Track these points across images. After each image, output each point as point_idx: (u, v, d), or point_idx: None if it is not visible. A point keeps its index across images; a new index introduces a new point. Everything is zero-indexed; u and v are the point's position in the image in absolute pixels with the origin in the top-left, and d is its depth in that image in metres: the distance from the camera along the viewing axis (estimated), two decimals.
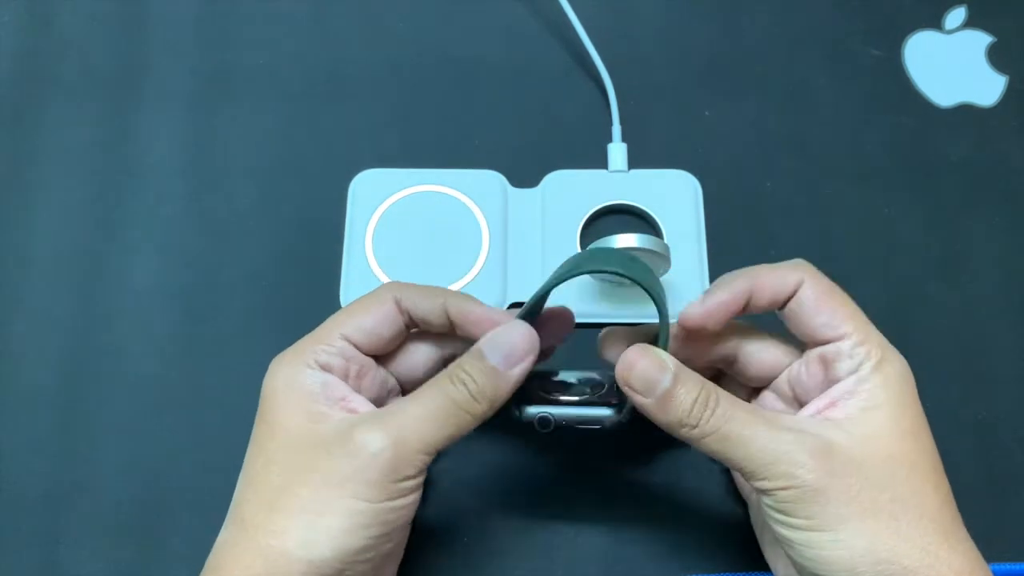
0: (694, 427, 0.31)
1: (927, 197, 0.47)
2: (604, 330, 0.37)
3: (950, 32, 0.51)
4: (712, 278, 0.44)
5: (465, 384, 0.32)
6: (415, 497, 0.32)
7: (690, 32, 0.51)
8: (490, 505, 0.40)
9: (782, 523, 0.31)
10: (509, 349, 0.33)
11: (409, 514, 0.32)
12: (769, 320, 0.36)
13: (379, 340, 0.35)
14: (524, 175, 0.46)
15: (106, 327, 0.44)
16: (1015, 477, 0.41)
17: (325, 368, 0.33)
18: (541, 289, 0.34)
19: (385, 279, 0.43)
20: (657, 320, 0.33)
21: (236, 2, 0.51)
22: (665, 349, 0.33)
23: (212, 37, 0.50)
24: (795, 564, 0.32)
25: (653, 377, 0.32)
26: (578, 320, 0.43)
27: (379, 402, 0.35)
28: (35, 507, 0.40)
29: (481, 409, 0.33)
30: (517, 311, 0.35)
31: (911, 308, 0.44)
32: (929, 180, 0.47)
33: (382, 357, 0.36)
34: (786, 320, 0.35)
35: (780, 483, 0.30)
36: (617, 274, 0.33)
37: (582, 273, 0.34)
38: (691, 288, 0.44)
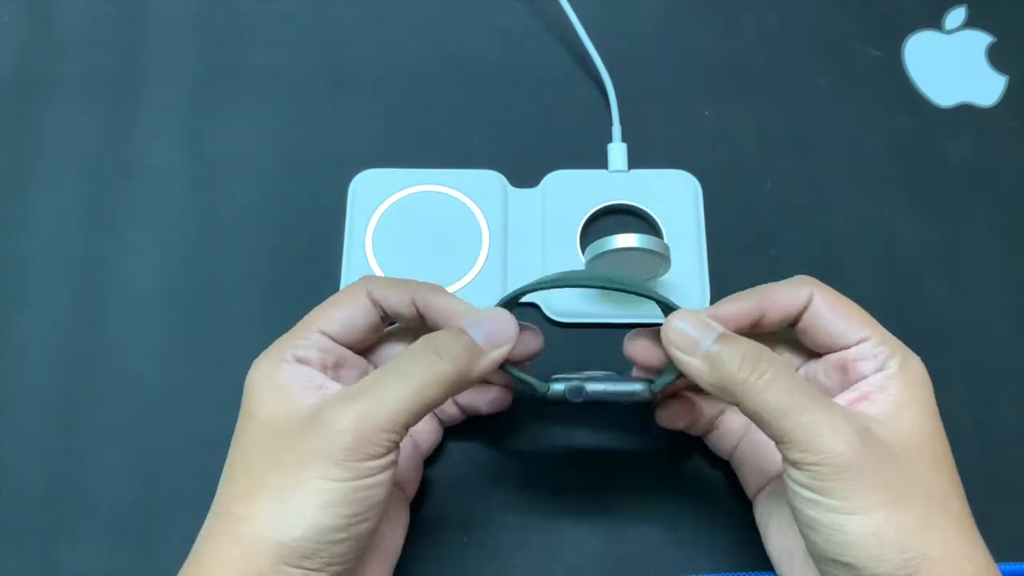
0: (744, 383, 0.31)
1: (927, 197, 0.47)
2: (630, 333, 0.37)
3: (950, 32, 0.51)
4: (712, 278, 0.44)
5: (439, 355, 0.32)
6: (385, 476, 0.32)
7: (690, 32, 0.51)
8: (490, 505, 0.40)
9: (812, 502, 0.30)
10: (492, 329, 0.33)
11: (381, 493, 0.32)
12: None
13: (354, 331, 0.35)
14: (524, 175, 0.46)
15: (106, 327, 0.44)
16: (1015, 477, 0.41)
17: (302, 361, 0.34)
18: (519, 289, 0.35)
19: None
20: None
21: (236, 2, 0.51)
22: None
23: (212, 37, 0.50)
24: (815, 549, 0.31)
25: (697, 334, 0.32)
26: (580, 320, 0.43)
27: None
28: (35, 507, 0.40)
29: (453, 384, 0.32)
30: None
31: (911, 308, 0.44)
32: (929, 180, 0.47)
33: (364, 351, 0.37)
34: (801, 334, 0.35)
35: (820, 456, 0.30)
36: (603, 287, 0.34)
37: (564, 287, 0.34)
38: (691, 288, 0.44)
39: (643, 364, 0.36)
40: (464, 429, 0.41)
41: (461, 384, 0.33)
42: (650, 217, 0.45)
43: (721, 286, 0.44)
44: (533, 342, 0.36)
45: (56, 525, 0.40)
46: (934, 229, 0.46)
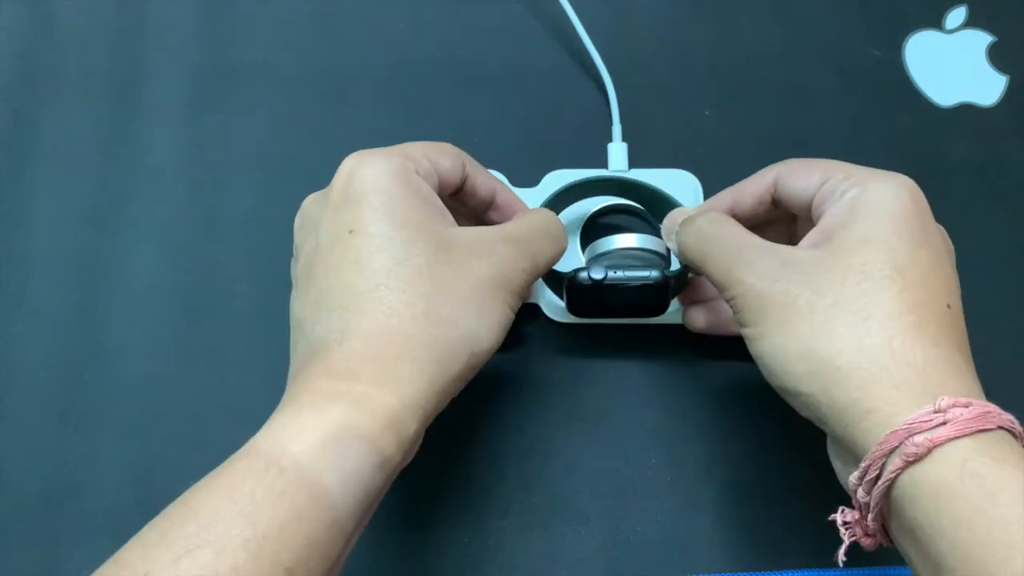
0: (689, 247, 0.36)
1: (927, 197, 0.47)
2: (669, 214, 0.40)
3: (950, 32, 0.51)
4: None
5: (553, 240, 0.36)
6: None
7: (690, 32, 0.51)
8: (490, 504, 0.40)
9: (744, 334, 0.33)
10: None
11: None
12: None
13: (448, 185, 0.36)
14: (524, 175, 0.46)
15: (106, 327, 0.44)
16: None
17: (426, 181, 0.34)
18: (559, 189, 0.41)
19: None
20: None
21: (236, 2, 0.51)
22: None
23: (212, 37, 0.50)
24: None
25: (672, 223, 0.38)
26: (580, 319, 0.43)
27: None
28: (35, 507, 0.40)
29: (548, 268, 0.37)
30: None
31: None
32: (929, 180, 0.47)
33: None
34: (784, 206, 0.37)
35: (734, 291, 0.33)
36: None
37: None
38: None
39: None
40: (464, 428, 0.41)
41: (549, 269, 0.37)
42: (650, 217, 0.45)
43: None
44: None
45: (56, 525, 0.40)
46: None
